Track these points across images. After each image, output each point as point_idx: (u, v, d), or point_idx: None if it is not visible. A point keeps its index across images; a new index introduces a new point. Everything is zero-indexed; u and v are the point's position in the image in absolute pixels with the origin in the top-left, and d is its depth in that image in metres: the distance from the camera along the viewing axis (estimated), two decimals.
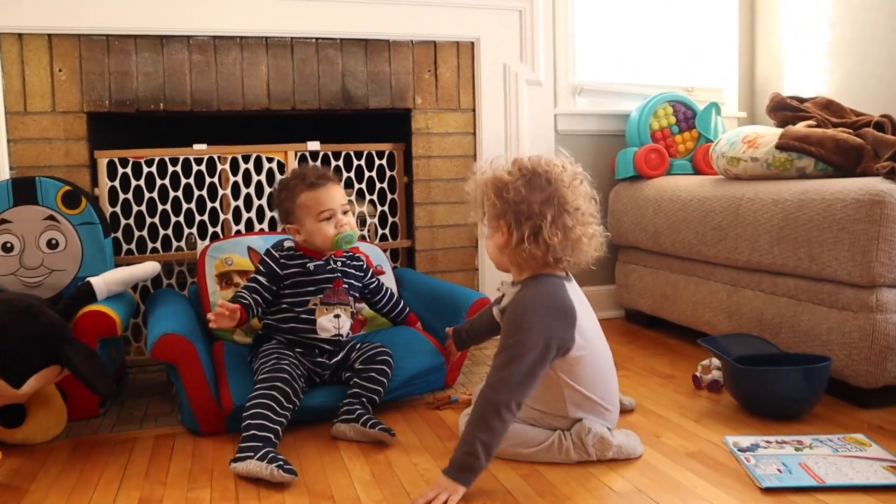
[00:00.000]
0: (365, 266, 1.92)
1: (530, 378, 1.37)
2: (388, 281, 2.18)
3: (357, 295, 1.89)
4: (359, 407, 1.67)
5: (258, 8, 2.22)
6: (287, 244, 1.82)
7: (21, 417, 1.64)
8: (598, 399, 1.48)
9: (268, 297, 1.77)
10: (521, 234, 1.42)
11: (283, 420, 1.55)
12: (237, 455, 1.46)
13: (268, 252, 1.82)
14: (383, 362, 1.76)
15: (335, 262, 1.82)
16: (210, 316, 1.61)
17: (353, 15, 2.31)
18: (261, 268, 1.79)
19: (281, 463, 1.41)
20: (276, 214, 1.89)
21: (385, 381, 1.75)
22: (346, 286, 1.83)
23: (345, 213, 1.78)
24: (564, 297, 1.44)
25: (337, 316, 1.80)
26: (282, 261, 1.79)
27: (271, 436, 1.50)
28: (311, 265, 1.79)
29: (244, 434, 1.50)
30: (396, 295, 2.04)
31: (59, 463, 1.55)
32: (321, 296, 1.79)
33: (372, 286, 1.96)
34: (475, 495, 1.34)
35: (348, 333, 1.83)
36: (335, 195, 1.77)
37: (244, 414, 1.53)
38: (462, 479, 1.32)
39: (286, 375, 1.62)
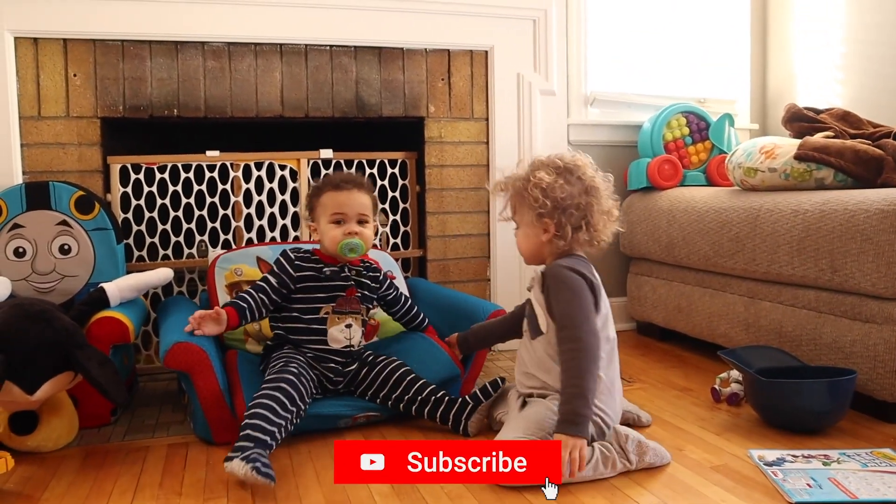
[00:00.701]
0: (382, 277, 1.89)
1: (593, 322, 1.50)
2: (399, 287, 2.16)
3: (370, 305, 1.86)
4: (452, 400, 1.68)
5: (273, 15, 2.21)
6: (302, 248, 1.81)
7: (33, 424, 1.61)
8: (608, 382, 1.53)
9: (276, 300, 1.74)
10: (574, 225, 1.56)
11: (282, 423, 1.51)
12: (229, 454, 1.42)
13: (284, 253, 1.79)
14: (407, 374, 1.74)
15: (350, 270, 1.80)
16: (190, 320, 1.62)
17: (367, 23, 2.31)
18: (274, 268, 1.77)
19: (259, 465, 1.37)
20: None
21: (417, 376, 1.73)
22: (360, 295, 1.80)
23: (361, 222, 1.75)
24: (576, 272, 1.56)
25: (349, 326, 1.76)
26: (297, 262, 1.76)
27: (267, 438, 1.46)
28: (326, 270, 1.76)
29: (240, 433, 1.47)
30: (413, 305, 2.01)
31: (72, 471, 1.52)
32: (333, 304, 1.76)
33: (389, 297, 1.92)
34: (489, 500, 1.31)
35: (360, 342, 1.80)
36: (353, 201, 1.75)
37: (245, 413, 1.51)
38: (578, 431, 1.39)
39: (292, 378, 1.59)
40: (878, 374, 1.71)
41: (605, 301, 1.59)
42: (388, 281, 1.92)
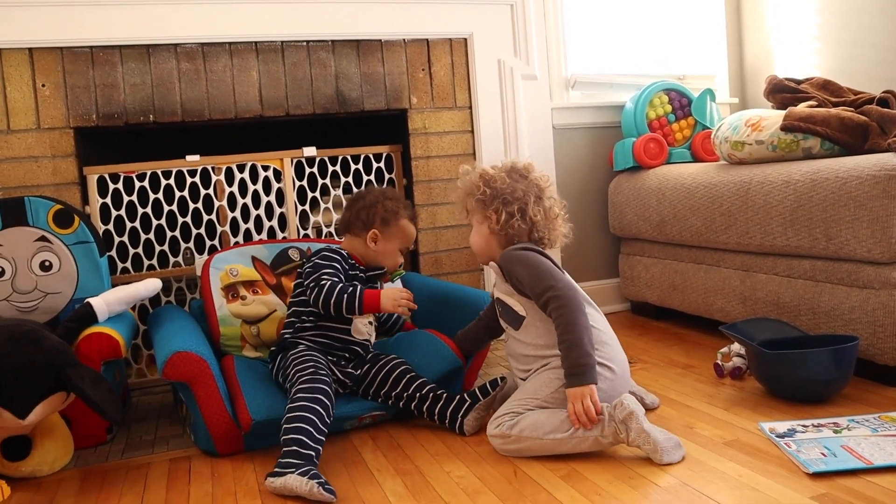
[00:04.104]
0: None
1: (563, 277, 1.58)
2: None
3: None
4: (451, 398, 1.66)
5: (246, 12, 2.16)
6: (339, 249, 1.85)
7: (26, 449, 1.56)
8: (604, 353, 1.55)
9: None
10: (510, 212, 1.66)
11: (323, 438, 1.47)
12: (276, 470, 1.39)
13: (330, 249, 1.84)
14: (408, 371, 1.72)
15: (372, 271, 1.88)
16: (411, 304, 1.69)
17: (344, 15, 2.26)
18: (331, 263, 1.78)
19: (322, 481, 1.34)
20: (353, 210, 1.89)
21: (417, 374, 1.72)
22: None
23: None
24: (535, 247, 1.66)
25: (371, 322, 1.85)
26: (343, 261, 1.83)
27: (313, 454, 1.42)
28: (362, 271, 1.85)
29: (286, 449, 1.42)
30: None
31: (71, 495, 1.47)
32: None
33: None
34: (517, 499, 1.29)
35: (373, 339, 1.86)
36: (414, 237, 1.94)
37: (285, 426, 1.45)
38: (584, 380, 1.44)
39: (327, 388, 1.55)
40: (879, 339, 1.72)
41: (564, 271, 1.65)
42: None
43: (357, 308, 1.67)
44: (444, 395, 1.67)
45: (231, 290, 1.95)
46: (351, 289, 1.68)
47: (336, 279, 1.73)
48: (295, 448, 1.41)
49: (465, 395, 1.66)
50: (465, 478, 1.41)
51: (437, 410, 1.65)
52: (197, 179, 2.20)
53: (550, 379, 1.54)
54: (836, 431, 1.47)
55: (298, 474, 1.35)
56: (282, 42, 2.22)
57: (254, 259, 2.01)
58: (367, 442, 1.64)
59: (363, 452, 1.58)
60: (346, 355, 1.76)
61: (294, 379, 1.59)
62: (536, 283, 1.55)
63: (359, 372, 1.75)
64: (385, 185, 2.41)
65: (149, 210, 2.16)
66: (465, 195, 1.74)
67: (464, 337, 1.85)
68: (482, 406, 1.64)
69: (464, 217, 1.79)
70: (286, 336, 1.77)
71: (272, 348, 1.82)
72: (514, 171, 1.70)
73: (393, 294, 1.69)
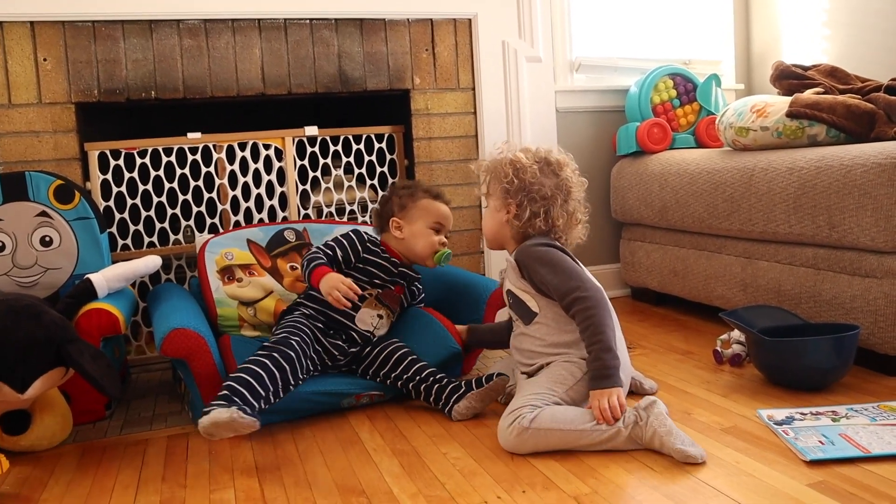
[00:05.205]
0: (421, 295, 1.97)
1: (588, 278, 1.54)
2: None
3: (405, 307, 1.92)
4: (449, 382, 1.65)
5: None
6: (374, 236, 1.86)
7: (25, 424, 1.56)
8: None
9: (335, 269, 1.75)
10: (534, 211, 1.60)
11: (264, 393, 1.48)
12: (203, 410, 1.41)
13: (357, 231, 1.83)
14: (409, 354, 1.72)
15: (409, 271, 1.85)
16: (343, 301, 1.62)
17: None
18: (343, 241, 1.79)
19: (245, 408, 1.38)
20: (377, 211, 1.93)
21: (417, 357, 1.71)
22: (403, 296, 1.87)
23: (447, 236, 1.87)
24: (553, 242, 1.61)
25: (380, 316, 1.81)
26: (368, 244, 1.82)
27: (251, 397, 1.44)
28: (392, 263, 1.83)
29: (218, 393, 1.45)
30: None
31: (70, 469, 1.48)
32: (380, 290, 1.80)
33: (418, 299, 1.99)
34: (513, 482, 1.29)
35: (379, 335, 1.82)
36: (450, 216, 1.88)
37: (229, 375, 1.49)
38: (611, 382, 1.42)
39: (290, 351, 1.56)
40: (880, 329, 1.71)
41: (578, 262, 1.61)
42: (422, 296, 1.99)
43: (305, 277, 1.69)
44: (444, 378, 1.67)
45: (227, 273, 1.94)
46: (316, 260, 1.69)
47: (326, 252, 1.75)
48: (226, 392, 1.44)
49: (463, 382, 1.64)
50: (461, 459, 1.41)
51: (433, 392, 1.65)
52: (198, 157, 2.19)
53: (564, 376, 1.50)
54: (834, 420, 1.47)
55: (220, 408, 1.38)
56: (285, 20, 2.20)
57: (249, 242, 2.01)
58: (365, 422, 1.64)
59: (360, 432, 1.58)
60: (339, 343, 1.74)
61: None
62: (561, 284, 1.51)
63: (355, 350, 1.75)
64: (387, 166, 2.40)
65: (149, 187, 2.15)
66: (489, 174, 1.67)
67: (489, 331, 1.83)
68: (475, 396, 1.60)
69: (481, 193, 1.73)
70: (296, 299, 1.82)
71: (259, 335, 1.82)
72: (547, 165, 1.62)
73: (332, 282, 1.64)
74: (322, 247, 1.78)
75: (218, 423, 1.37)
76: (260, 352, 1.56)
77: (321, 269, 1.67)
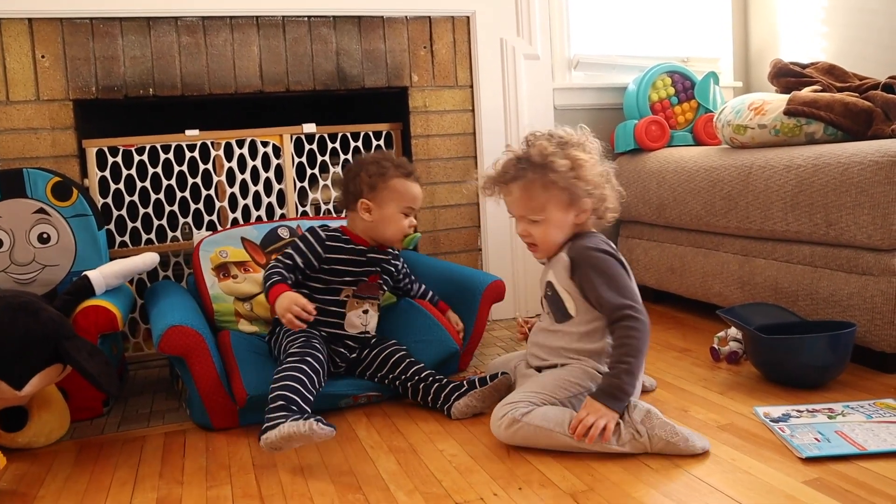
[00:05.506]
0: (402, 265, 1.90)
1: (639, 300, 1.46)
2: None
3: (386, 290, 1.85)
4: (449, 382, 1.64)
5: None
6: (332, 225, 1.77)
7: (23, 420, 1.56)
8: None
9: (299, 279, 1.70)
10: (597, 208, 1.52)
11: (310, 397, 1.47)
12: (265, 426, 1.39)
13: (312, 230, 1.73)
14: (407, 356, 1.71)
15: (378, 254, 1.77)
16: (297, 322, 1.55)
17: None
18: (300, 245, 1.70)
19: (320, 418, 1.34)
20: (343, 185, 1.78)
21: (415, 359, 1.71)
22: (381, 281, 1.80)
23: (416, 217, 1.79)
24: (606, 241, 1.54)
25: (365, 311, 1.75)
26: (327, 242, 1.71)
27: (298, 406, 1.42)
28: (359, 252, 1.73)
29: (272, 405, 1.42)
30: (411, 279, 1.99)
31: (67, 466, 1.48)
32: (354, 287, 1.73)
33: (402, 274, 1.92)
34: (510, 479, 1.29)
35: (374, 328, 1.79)
36: (421, 196, 1.77)
37: (272, 386, 1.46)
38: (616, 406, 1.34)
39: (319, 354, 1.56)
40: (877, 326, 1.72)
41: (631, 275, 1.53)
42: (406, 269, 1.93)
43: (265, 297, 1.62)
44: (443, 378, 1.67)
45: (222, 270, 1.94)
46: (273, 278, 1.61)
47: (286, 263, 1.66)
48: (282, 402, 1.42)
49: (465, 381, 1.64)
50: (457, 456, 1.41)
51: (431, 391, 1.64)
52: (196, 154, 2.19)
53: (571, 384, 1.46)
54: (830, 417, 1.47)
55: (291, 420, 1.36)
56: (283, 17, 2.20)
57: (243, 240, 2.01)
58: (362, 419, 1.64)
59: (357, 429, 1.58)
60: (341, 350, 1.72)
61: (286, 347, 1.60)
62: (614, 298, 1.42)
63: (355, 355, 1.74)
64: None
65: (147, 184, 2.15)
66: (536, 185, 1.48)
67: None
68: (476, 395, 1.59)
69: (530, 210, 1.50)
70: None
71: (257, 330, 1.82)
72: (580, 148, 1.50)
73: (284, 303, 1.54)
74: (281, 258, 1.69)
75: (292, 437, 1.34)
76: (293, 358, 1.53)
77: (276, 289, 1.58)
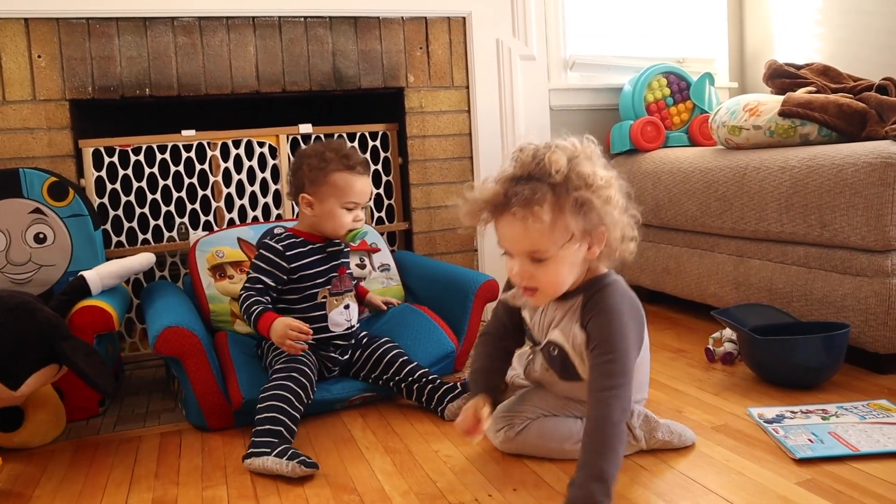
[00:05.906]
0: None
1: (631, 387, 1.20)
2: (385, 259, 2.14)
3: (356, 279, 1.84)
4: (442, 383, 1.63)
5: None
6: (278, 231, 1.70)
7: (18, 420, 1.56)
8: (637, 398, 1.41)
9: (275, 296, 1.66)
10: (618, 237, 1.21)
11: (297, 416, 1.49)
12: (251, 451, 1.41)
13: (264, 245, 1.65)
14: (400, 355, 1.71)
15: (335, 245, 1.73)
16: (297, 346, 1.53)
17: None
18: (262, 265, 1.63)
19: (303, 458, 1.35)
20: (290, 178, 1.73)
21: (409, 358, 1.70)
22: (350, 271, 1.78)
23: (363, 208, 1.69)
24: (635, 296, 1.31)
25: (347, 307, 1.72)
26: (286, 252, 1.65)
27: (284, 431, 1.44)
28: (319, 250, 1.69)
29: (257, 428, 1.44)
30: None
31: (62, 466, 1.48)
32: (329, 286, 1.70)
33: None
34: (505, 480, 1.30)
35: (358, 319, 1.78)
36: (367, 189, 1.67)
37: (258, 406, 1.47)
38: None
39: (305, 368, 1.56)
40: (870, 327, 1.72)
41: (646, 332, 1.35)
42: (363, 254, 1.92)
43: (252, 327, 1.59)
44: (437, 379, 1.67)
45: (218, 270, 1.95)
46: (254, 308, 1.57)
47: (257, 288, 1.61)
48: (268, 426, 1.43)
49: (458, 384, 1.63)
50: (452, 457, 1.42)
51: (425, 392, 1.64)
52: (192, 154, 2.19)
53: (571, 403, 1.39)
54: (824, 418, 1.48)
55: (275, 455, 1.36)
56: (279, 17, 2.20)
57: (239, 240, 2.01)
58: (357, 420, 1.65)
59: (353, 430, 1.59)
60: (332, 355, 1.71)
61: (271, 362, 1.60)
62: (613, 365, 1.17)
63: (347, 357, 1.74)
64: (381, 164, 2.41)
65: (144, 184, 2.15)
66: (577, 207, 1.16)
67: (493, 381, 1.40)
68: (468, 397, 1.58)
69: (548, 243, 1.18)
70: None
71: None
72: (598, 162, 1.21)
73: (281, 329, 1.51)
74: (248, 284, 1.62)
75: (274, 472, 1.35)
76: (279, 374, 1.53)
77: (265, 319, 1.55)
